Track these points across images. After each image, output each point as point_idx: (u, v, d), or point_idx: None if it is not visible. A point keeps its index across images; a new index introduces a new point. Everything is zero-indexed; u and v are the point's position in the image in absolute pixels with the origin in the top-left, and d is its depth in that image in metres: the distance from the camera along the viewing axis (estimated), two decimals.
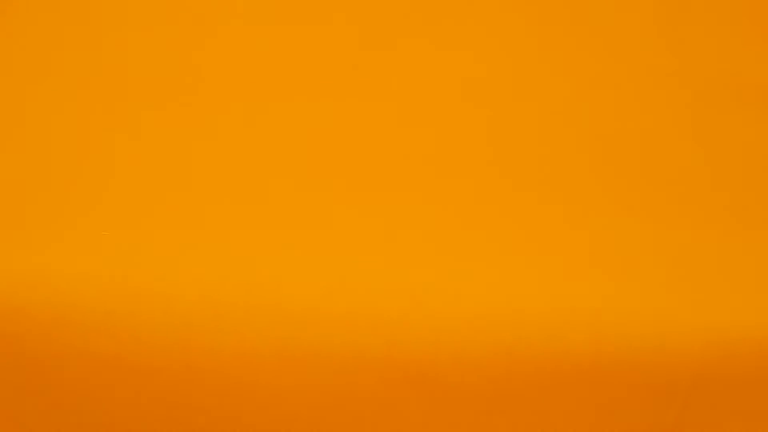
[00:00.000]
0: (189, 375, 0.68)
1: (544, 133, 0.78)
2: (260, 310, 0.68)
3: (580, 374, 0.67)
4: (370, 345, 0.67)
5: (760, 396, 0.68)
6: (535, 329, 0.67)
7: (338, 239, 0.72)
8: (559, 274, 0.72)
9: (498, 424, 0.69)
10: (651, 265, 0.72)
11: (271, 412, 0.69)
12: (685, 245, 0.73)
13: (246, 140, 0.78)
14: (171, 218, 0.73)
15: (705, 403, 0.68)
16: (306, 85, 0.80)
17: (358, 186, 0.76)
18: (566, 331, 0.67)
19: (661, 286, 0.71)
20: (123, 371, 0.69)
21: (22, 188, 0.74)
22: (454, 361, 0.67)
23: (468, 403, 0.68)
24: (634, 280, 0.71)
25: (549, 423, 0.69)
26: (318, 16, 0.84)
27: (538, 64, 0.82)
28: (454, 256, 0.73)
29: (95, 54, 0.81)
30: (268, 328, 0.68)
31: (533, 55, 0.82)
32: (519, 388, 0.68)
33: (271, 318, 0.68)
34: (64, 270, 0.68)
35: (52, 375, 0.69)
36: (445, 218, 0.75)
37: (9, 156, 0.75)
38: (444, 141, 0.78)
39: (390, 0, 0.85)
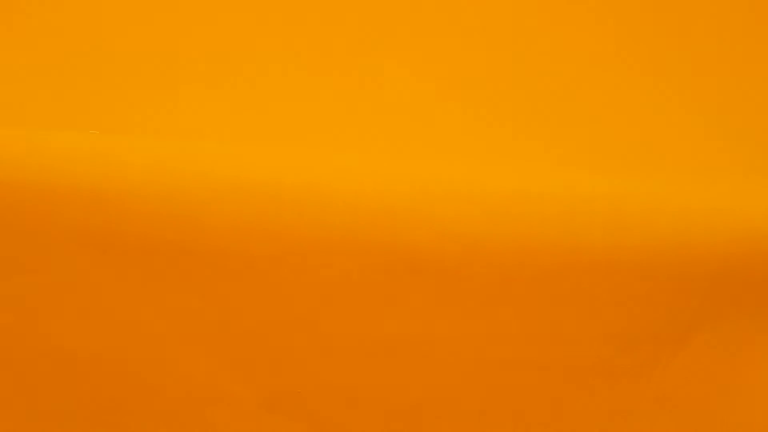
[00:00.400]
0: (183, 255, 0.68)
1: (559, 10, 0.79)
2: (259, 190, 0.66)
3: (594, 267, 0.66)
4: (374, 230, 0.66)
5: None
6: (548, 220, 0.66)
7: (343, 117, 0.72)
8: (575, 162, 0.72)
9: (506, 316, 0.69)
10: (673, 155, 0.72)
11: (269, 298, 0.69)
12: (708, 134, 0.73)
13: (237, 8, 0.78)
14: (164, 89, 0.73)
15: (724, 302, 0.67)
16: None
17: (362, 59, 0.75)
18: (581, 222, 0.66)
19: (683, 178, 0.70)
20: (115, 248, 0.68)
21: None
22: (463, 250, 0.66)
23: (475, 293, 0.68)
24: (655, 170, 0.71)
25: (559, 318, 0.68)
26: None
27: None
28: (465, 141, 0.72)
29: None
30: (266, 211, 0.66)
31: None
32: (529, 281, 0.67)
33: (270, 200, 0.66)
34: (57, 143, 0.68)
35: (42, 253, 0.69)
36: (455, 101, 0.75)
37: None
38: (451, 14, 0.78)
39: None
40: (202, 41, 0.77)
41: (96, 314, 0.70)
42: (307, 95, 0.75)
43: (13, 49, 0.76)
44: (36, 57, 0.76)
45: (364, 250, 0.67)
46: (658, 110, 0.75)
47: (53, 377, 0.72)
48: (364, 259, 0.67)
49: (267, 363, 0.71)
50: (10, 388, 0.73)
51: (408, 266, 0.67)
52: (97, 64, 0.76)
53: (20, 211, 0.68)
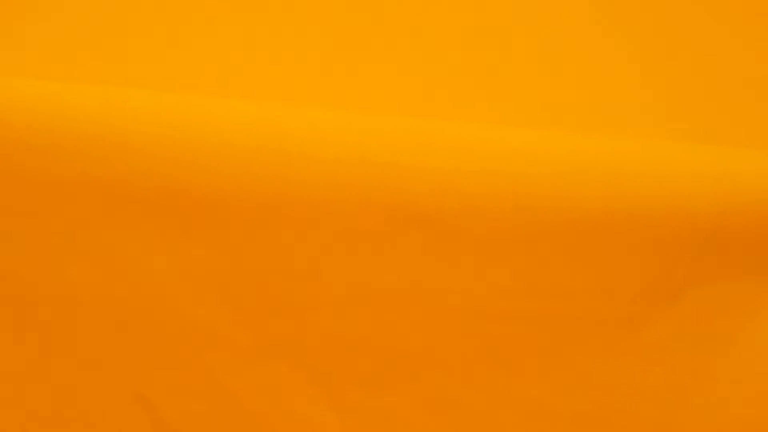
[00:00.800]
0: (190, 205, 0.69)
1: None
2: (264, 144, 0.67)
3: (588, 224, 0.67)
4: (375, 184, 0.67)
5: None
6: (544, 178, 0.66)
7: (346, 74, 0.73)
8: (571, 120, 0.73)
9: (501, 269, 0.69)
10: (666, 113, 0.73)
11: (272, 249, 0.70)
12: (702, 98, 0.74)
13: None
14: (175, 45, 0.75)
15: (715, 259, 0.68)
16: None
17: (365, 16, 0.77)
18: (576, 180, 0.66)
19: (677, 136, 0.72)
20: (124, 197, 0.69)
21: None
22: (460, 205, 0.67)
23: (471, 247, 0.69)
24: (650, 131, 0.72)
25: (553, 272, 0.69)
26: None
27: None
28: (465, 101, 0.73)
29: None
30: (270, 164, 0.67)
31: None
32: (525, 236, 0.68)
33: (274, 153, 0.67)
34: (71, 95, 0.69)
35: (54, 200, 0.70)
36: (454, 62, 0.75)
37: None
38: None
39: None
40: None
41: (104, 260, 0.71)
42: (310, 52, 0.76)
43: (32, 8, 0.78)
44: (53, 13, 0.77)
45: (365, 204, 0.68)
46: (652, 75, 0.75)
47: (61, 320, 0.73)
48: (364, 212, 0.68)
49: (269, 311, 0.72)
50: (21, 330, 0.74)
51: (406, 220, 0.68)
52: (108, 21, 0.77)
53: (35, 159, 0.69)
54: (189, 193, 0.69)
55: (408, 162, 0.67)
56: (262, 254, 0.70)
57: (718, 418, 0.71)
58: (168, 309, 0.72)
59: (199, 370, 0.73)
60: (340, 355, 0.73)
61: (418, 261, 0.69)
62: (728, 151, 0.67)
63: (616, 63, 0.76)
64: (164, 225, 0.70)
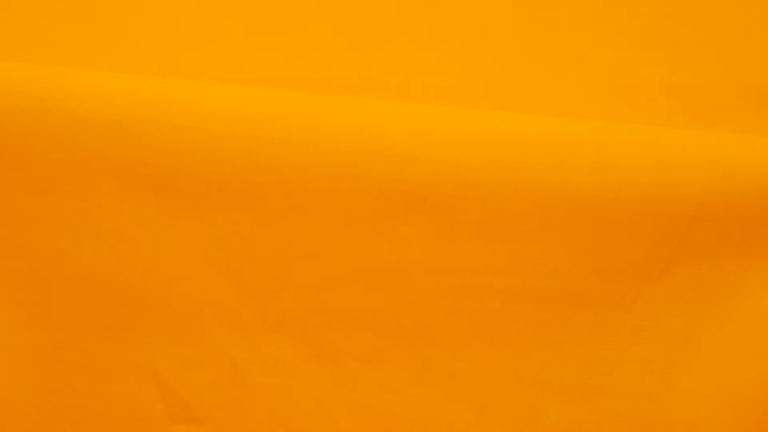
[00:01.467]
0: (197, 186, 0.70)
1: None
2: (268, 128, 0.68)
3: (580, 205, 0.68)
4: (375, 167, 0.68)
5: (758, 231, 0.69)
6: (537, 160, 0.67)
7: (347, 60, 0.74)
8: (563, 100, 0.74)
9: (496, 248, 0.70)
10: (655, 94, 0.74)
11: (277, 228, 0.71)
12: (689, 72, 0.74)
13: None
14: (182, 34, 0.75)
15: (703, 238, 0.69)
16: None
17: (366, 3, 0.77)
18: (568, 163, 0.67)
19: (665, 116, 0.73)
20: (134, 177, 0.70)
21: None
22: (457, 187, 0.68)
23: (467, 227, 0.70)
24: (638, 109, 0.73)
25: (546, 252, 0.70)
26: None
27: None
28: (463, 87, 0.74)
29: None
30: (275, 147, 0.68)
31: None
32: (518, 216, 0.69)
33: (278, 137, 0.68)
34: (84, 81, 0.70)
35: (66, 179, 0.71)
36: (453, 49, 0.76)
37: None
38: None
39: None
40: None
41: (116, 239, 0.72)
42: (313, 38, 0.77)
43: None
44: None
45: (365, 186, 0.69)
46: (643, 62, 0.76)
47: (74, 296, 0.74)
48: (364, 194, 0.69)
49: (273, 288, 0.73)
50: (35, 304, 0.75)
51: (405, 202, 0.69)
52: (114, 9, 0.78)
53: (48, 140, 0.70)
54: (197, 176, 0.70)
55: (405, 146, 0.68)
56: (267, 234, 0.71)
57: (704, 391, 0.72)
58: (177, 285, 0.73)
59: (206, 344, 0.74)
60: (341, 330, 0.74)
61: (416, 241, 0.70)
62: (714, 135, 0.69)
63: (606, 55, 0.77)
64: (174, 206, 0.71)
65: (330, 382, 0.75)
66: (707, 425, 0.72)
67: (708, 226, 0.69)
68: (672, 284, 0.71)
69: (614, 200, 0.68)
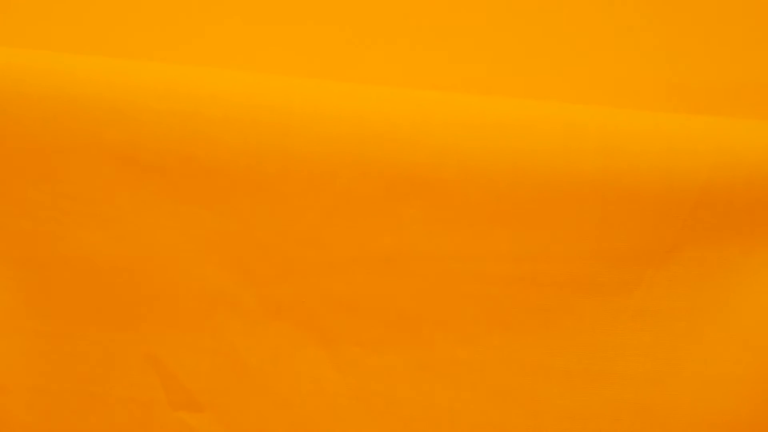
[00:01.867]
0: (199, 172, 0.70)
1: None
2: (269, 113, 0.68)
3: (582, 190, 0.68)
4: (376, 152, 0.68)
5: (761, 216, 0.69)
6: (541, 145, 0.68)
7: (348, 45, 0.74)
8: (566, 85, 0.74)
9: (498, 234, 0.70)
10: (660, 89, 0.74)
11: (277, 213, 0.71)
12: (693, 59, 0.75)
13: None
14: (183, 21, 0.76)
15: (705, 224, 0.69)
16: None
17: None
18: (571, 148, 0.67)
19: (668, 102, 0.73)
20: (137, 164, 0.71)
21: None
22: (459, 172, 0.68)
23: (469, 212, 0.70)
24: (643, 102, 0.73)
25: (549, 237, 0.70)
26: None
27: None
28: (464, 72, 0.75)
29: None
30: (275, 132, 0.68)
31: None
32: (521, 201, 0.69)
33: (279, 122, 0.68)
34: (86, 66, 0.70)
35: (69, 165, 0.71)
36: (453, 34, 0.76)
37: None
38: None
39: None
40: None
41: (116, 224, 0.73)
42: (315, 24, 0.77)
43: None
44: None
45: (367, 171, 0.69)
46: (646, 50, 0.77)
47: (74, 281, 0.75)
48: (366, 178, 0.69)
49: (273, 274, 0.73)
50: (35, 290, 0.75)
51: (406, 187, 0.69)
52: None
53: (48, 125, 0.70)
54: (197, 162, 0.70)
55: (407, 131, 0.68)
56: (267, 220, 0.71)
57: (707, 376, 0.72)
58: (177, 271, 0.73)
59: (206, 330, 0.75)
60: (341, 316, 0.74)
61: (418, 226, 0.71)
62: (717, 121, 0.69)
63: (610, 42, 0.77)
64: (175, 193, 0.71)
65: (331, 368, 0.75)
66: (710, 410, 0.73)
67: (711, 211, 0.69)
68: (675, 269, 0.71)
69: (617, 185, 0.68)
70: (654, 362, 0.73)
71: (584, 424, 0.74)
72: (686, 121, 0.68)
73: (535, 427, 0.74)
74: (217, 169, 0.70)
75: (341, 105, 0.68)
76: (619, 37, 0.77)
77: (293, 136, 0.68)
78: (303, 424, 0.77)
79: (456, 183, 0.69)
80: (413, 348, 0.74)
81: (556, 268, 0.71)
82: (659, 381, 0.73)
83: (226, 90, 0.69)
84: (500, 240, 0.71)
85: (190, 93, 0.69)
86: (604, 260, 0.71)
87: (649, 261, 0.71)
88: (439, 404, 0.75)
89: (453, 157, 0.68)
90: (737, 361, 0.72)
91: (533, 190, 0.69)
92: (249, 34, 0.77)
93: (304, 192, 0.70)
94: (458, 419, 0.75)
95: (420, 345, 0.74)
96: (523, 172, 0.68)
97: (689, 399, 0.73)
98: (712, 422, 0.73)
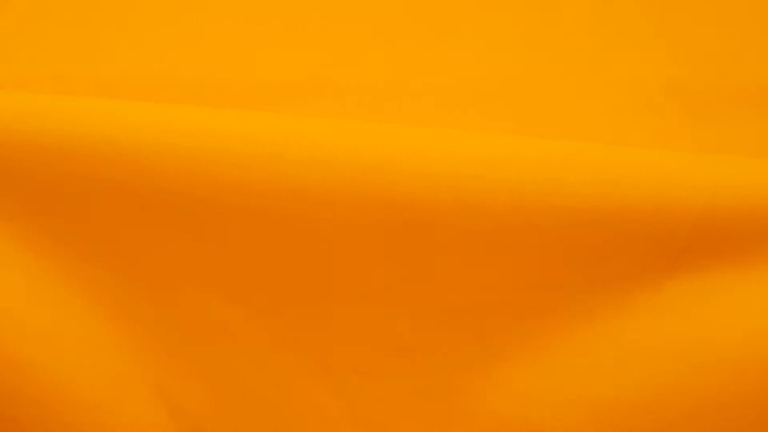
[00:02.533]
0: (201, 206, 0.71)
1: None
2: (269, 150, 0.69)
3: (577, 221, 0.69)
4: (372, 187, 0.69)
5: (757, 244, 0.69)
6: (536, 179, 0.68)
7: (346, 81, 0.75)
8: (562, 114, 0.76)
9: (494, 263, 0.71)
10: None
11: (278, 246, 0.72)
12: (690, 89, 0.76)
13: None
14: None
15: (703, 249, 0.70)
16: None
17: (367, 23, 0.79)
18: (566, 180, 0.68)
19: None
20: (141, 199, 0.72)
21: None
22: (455, 203, 0.69)
23: (465, 244, 0.70)
24: (639, 123, 0.75)
25: (542, 267, 0.71)
26: None
27: None
28: (459, 107, 0.76)
29: None
30: (275, 167, 0.69)
31: None
32: (515, 233, 0.69)
33: (279, 158, 0.69)
34: (77, 108, 0.71)
35: (73, 204, 0.72)
36: (450, 72, 0.78)
37: None
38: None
39: None
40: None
41: (123, 259, 0.73)
42: (314, 59, 0.79)
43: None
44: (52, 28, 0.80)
45: (364, 204, 0.70)
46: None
47: (80, 312, 0.75)
48: (363, 212, 0.70)
49: (275, 306, 0.74)
50: None
51: (402, 220, 0.70)
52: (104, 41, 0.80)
53: (62, 165, 0.71)
54: (198, 196, 0.71)
55: (404, 165, 0.69)
56: (268, 251, 0.72)
57: (703, 402, 0.72)
58: (183, 304, 0.74)
59: (212, 361, 0.75)
60: (341, 344, 0.75)
61: (414, 255, 0.71)
62: (712, 158, 0.70)
63: (602, 80, 0.78)
64: (177, 227, 0.72)
65: (332, 396, 0.76)
66: None
67: (703, 241, 0.70)
68: (667, 297, 0.72)
69: (610, 213, 0.69)
70: (647, 389, 0.73)
71: None
72: (681, 158, 0.69)
73: None
74: (218, 204, 0.71)
75: (340, 142, 0.69)
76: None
77: (293, 170, 0.69)
78: None
79: (452, 214, 0.69)
80: (411, 375, 0.75)
81: (551, 295, 0.72)
82: (652, 408, 0.73)
83: (226, 128, 0.70)
84: (495, 269, 0.72)
85: (188, 131, 0.70)
86: (596, 287, 0.72)
87: (641, 289, 0.72)
88: (437, 430, 0.76)
89: (449, 190, 0.69)
90: (728, 387, 0.72)
91: (528, 222, 0.69)
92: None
93: (303, 224, 0.71)
94: None
95: (418, 372, 0.75)
96: (518, 204, 0.69)
97: (687, 425, 0.73)
98: None
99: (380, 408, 0.76)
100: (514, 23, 0.84)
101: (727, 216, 0.69)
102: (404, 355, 0.75)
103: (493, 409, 0.75)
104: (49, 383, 0.76)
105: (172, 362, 0.76)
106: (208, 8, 0.85)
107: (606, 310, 0.72)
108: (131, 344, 0.76)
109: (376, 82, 0.80)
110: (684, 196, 0.68)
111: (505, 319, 0.73)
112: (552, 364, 0.73)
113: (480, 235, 0.70)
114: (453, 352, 0.74)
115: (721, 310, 0.71)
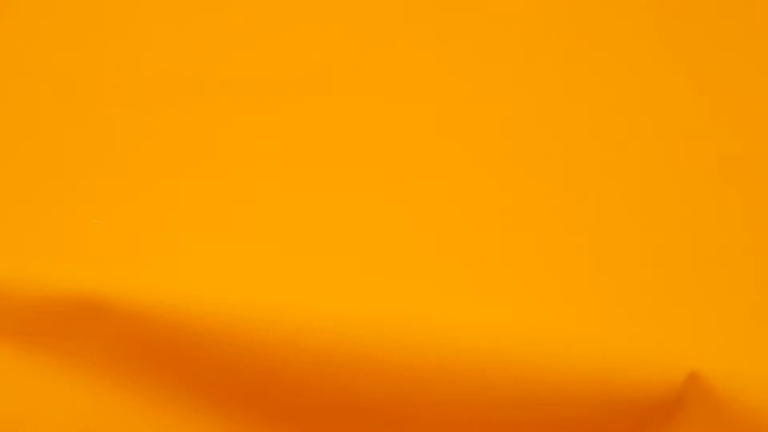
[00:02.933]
0: (198, 376, 0.72)
1: (543, 136, 0.79)
2: (258, 310, 0.70)
3: (564, 394, 0.69)
4: (365, 351, 0.70)
5: (737, 423, 0.68)
6: (524, 346, 0.69)
7: (337, 245, 0.74)
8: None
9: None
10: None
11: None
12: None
13: (245, 136, 0.79)
14: (166, 214, 0.75)
15: (684, 427, 0.70)
16: (306, 83, 0.81)
17: (360, 188, 0.77)
18: (553, 352, 0.69)
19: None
20: (125, 353, 0.72)
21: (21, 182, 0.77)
22: (456, 383, 0.70)
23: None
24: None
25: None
26: (316, 17, 0.85)
27: (537, 66, 0.82)
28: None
29: (93, 50, 0.83)
30: (265, 329, 0.70)
31: (533, 57, 0.83)
32: (504, 401, 0.70)
33: (268, 319, 0.70)
34: (60, 262, 0.72)
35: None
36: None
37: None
38: (443, 143, 0.78)
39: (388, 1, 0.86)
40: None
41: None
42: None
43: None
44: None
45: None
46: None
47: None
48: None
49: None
50: None
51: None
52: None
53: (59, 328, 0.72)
54: (196, 365, 0.72)
55: (389, 325, 0.70)
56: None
57: None
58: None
59: None
60: None
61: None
62: (700, 329, 0.70)
63: (600, 233, 0.76)
64: (172, 384, 0.73)
65: None
66: None
67: (690, 415, 0.69)
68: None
69: (598, 386, 0.69)
70: None
71: None
72: (667, 326, 0.70)
73: None
74: (217, 374, 0.72)
75: (330, 303, 0.70)
76: (605, 226, 0.76)
77: (283, 336, 0.70)
78: None
79: (441, 378, 0.70)
80: None
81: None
82: None
83: (213, 289, 0.71)
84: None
85: (177, 291, 0.71)
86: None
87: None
88: None
89: (439, 357, 0.70)
90: None
91: (514, 390, 0.70)
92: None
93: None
94: None
95: None
96: (507, 371, 0.69)
97: None
98: None
99: None
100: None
101: (712, 393, 0.68)
102: None
103: None
104: None
105: None
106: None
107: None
108: None
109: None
110: (660, 370, 0.68)
111: None
112: None
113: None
114: None
115: None
